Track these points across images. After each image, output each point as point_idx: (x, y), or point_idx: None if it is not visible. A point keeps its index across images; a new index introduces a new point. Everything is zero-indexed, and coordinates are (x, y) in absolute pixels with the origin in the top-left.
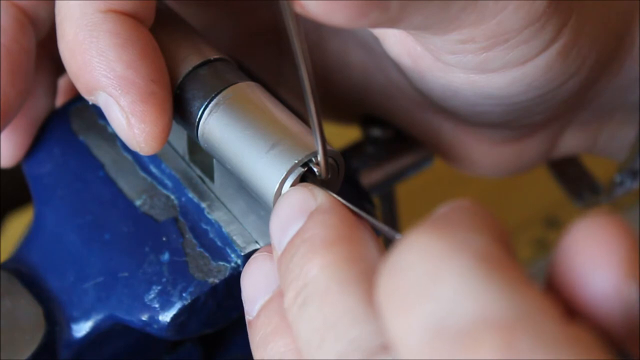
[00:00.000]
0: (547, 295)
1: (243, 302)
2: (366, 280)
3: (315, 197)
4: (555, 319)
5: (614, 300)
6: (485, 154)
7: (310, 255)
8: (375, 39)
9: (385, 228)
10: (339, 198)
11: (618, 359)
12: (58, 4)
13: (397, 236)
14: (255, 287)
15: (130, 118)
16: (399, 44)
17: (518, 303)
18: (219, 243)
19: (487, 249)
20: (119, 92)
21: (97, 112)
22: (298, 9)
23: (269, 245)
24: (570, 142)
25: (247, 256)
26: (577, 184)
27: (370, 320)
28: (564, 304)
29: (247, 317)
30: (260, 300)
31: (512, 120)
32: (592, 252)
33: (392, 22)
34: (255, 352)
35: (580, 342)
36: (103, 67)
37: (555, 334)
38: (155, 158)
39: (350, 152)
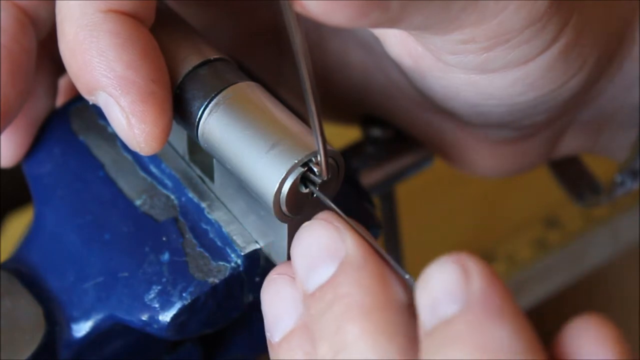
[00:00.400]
0: None
1: (265, 320)
2: (403, 352)
3: (343, 240)
4: None
5: None
6: (486, 154)
7: (347, 317)
8: (376, 39)
9: (395, 266)
10: (369, 239)
11: None
12: (58, 4)
13: (406, 276)
14: (277, 311)
15: (131, 118)
16: (400, 44)
17: None
18: (219, 243)
19: None
20: (119, 92)
21: (97, 112)
22: (298, 8)
23: (284, 264)
24: (571, 142)
25: (247, 256)
26: (578, 184)
27: None
28: None
29: (269, 338)
30: (283, 326)
31: (513, 121)
32: (586, 351)
33: (392, 22)
34: None
35: None
36: (103, 67)
37: None
38: (155, 158)
39: (350, 152)
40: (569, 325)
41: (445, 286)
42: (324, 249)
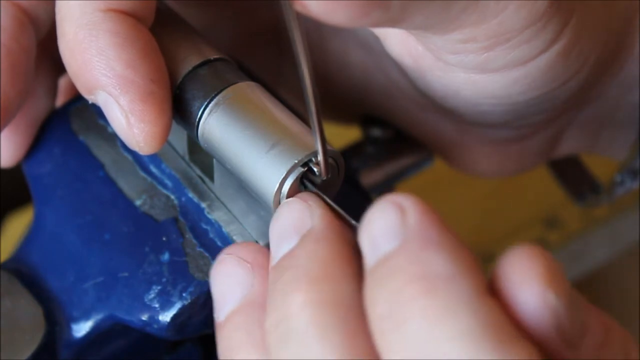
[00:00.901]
0: (532, 344)
1: (213, 301)
2: (346, 325)
3: (312, 215)
4: None
5: (541, 310)
6: (486, 154)
7: (292, 286)
8: (376, 39)
9: None
10: (337, 207)
11: None
12: (58, 4)
13: None
14: (222, 291)
15: (130, 117)
16: (400, 43)
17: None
18: (219, 243)
19: (475, 299)
20: (119, 91)
21: (97, 112)
22: (299, 8)
23: (235, 245)
24: (571, 142)
25: None
26: (578, 183)
27: None
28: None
29: (216, 318)
30: (228, 306)
31: (513, 120)
32: (518, 275)
33: (393, 22)
34: (222, 358)
35: None
36: (103, 66)
37: None
38: (155, 158)
39: (350, 152)
40: (506, 254)
41: (382, 225)
42: (293, 224)
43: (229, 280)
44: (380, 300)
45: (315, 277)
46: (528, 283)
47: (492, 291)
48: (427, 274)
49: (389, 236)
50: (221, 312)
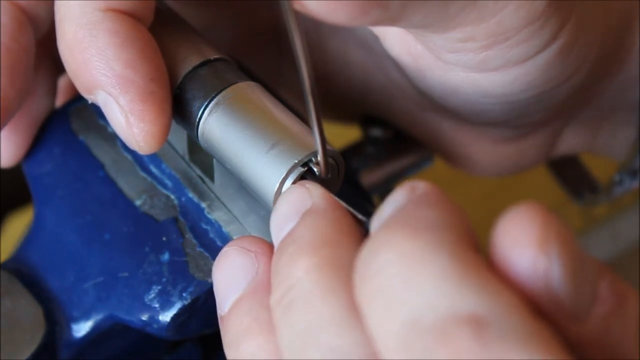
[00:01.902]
0: (516, 292)
1: (216, 298)
2: (350, 285)
3: (311, 196)
4: (523, 315)
5: (534, 273)
6: (485, 153)
7: (296, 256)
8: (375, 39)
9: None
10: (335, 197)
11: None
12: (57, 3)
13: None
14: (226, 283)
15: (130, 117)
16: (399, 42)
17: (489, 299)
18: (219, 243)
19: (457, 248)
20: (118, 91)
21: (97, 112)
22: (298, 7)
23: (237, 239)
24: (570, 141)
25: None
26: (577, 183)
27: (353, 329)
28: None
29: (219, 313)
30: (232, 297)
31: (512, 119)
32: (512, 236)
33: (392, 21)
34: (227, 350)
35: (545, 338)
36: (102, 65)
37: (522, 327)
38: (155, 158)
39: (350, 152)
40: (507, 212)
41: (391, 199)
42: (292, 207)
43: (232, 270)
44: (366, 251)
45: (316, 245)
46: (521, 245)
47: (474, 246)
48: (414, 222)
49: (395, 203)
50: (225, 303)
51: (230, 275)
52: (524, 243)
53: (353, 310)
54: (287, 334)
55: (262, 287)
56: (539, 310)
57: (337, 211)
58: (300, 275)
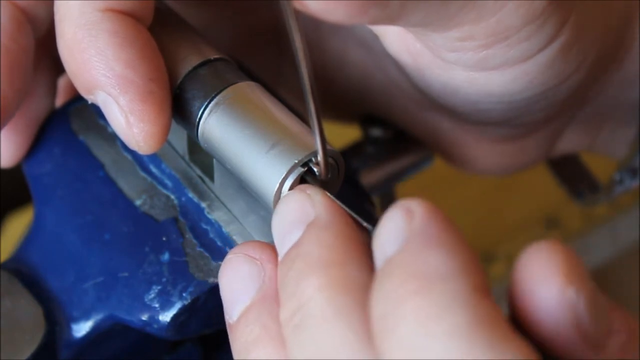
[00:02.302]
0: (528, 343)
1: (223, 305)
2: (361, 307)
3: (313, 205)
4: None
5: (561, 307)
6: (485, 153)
7: (305, 273)
8: (375, 38)
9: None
10: (337, 201)
11: None
12: (57, 3)
13: None
14: (234, 290)
15: (129, 117)
16: (399, 41)
17: (506, 355)
18: (219, 243)
19: (471, 299)
20: (118, 91)
21: (97, 112)
22: (298, 6)
23: (242, 244)
24: (570, 140)
25: None
26: (577, 182)
27: (366, 352)
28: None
29: (227, 320)
30: (240, 305)
31: (512, 118)
32: (537, 271)
33: (391, 19)
34: (237, 357)
35: None
36: (102, 66)
37: None
38: (155, 158)
39: (350, 152)
40: (526, 249)
41: (389, 228)
42: (295, 215)
43: (239, 279)
44: (379, 300)
45: (325, 262)
46: (547, 278)
47: (486, 291)
48: (423, 272)
49: (394, 238)
50: (233, 311)
51: (237, 283)
52: (550, 277)
53: (365, 332)
54: (299, 354)
55: (270, 296)
56: (564, 339)
57: (341, 223)
58: (310, 294)
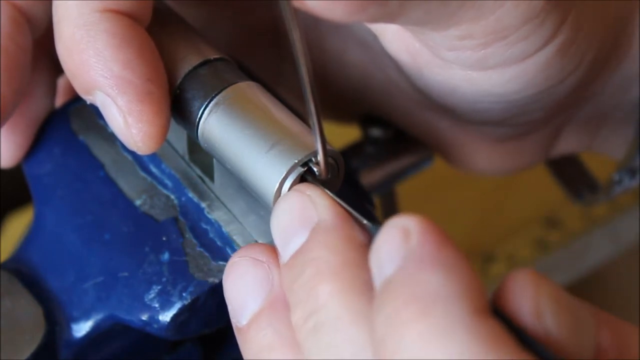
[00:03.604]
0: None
1: (228, 307)
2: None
3: (315, 207)
4: None
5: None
6: (484, 152)
7: (317, 279)
8: (374, 37)
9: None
10: (337, 198)
11: None
12: (55, 4)
13: None
14: (242, 294)
15: (128, 117)
16: (398, 40)
17: None
18: (219, 243)
19: (472, 319)
20: (116, 91)
21: (96, 112)
22: (297, 5)
23: (246, 247)
24: (569, 140)
25: None
26: (576, 182)
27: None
28: None
29: (235, 323)
30: (250, 309)
31: (510, 118)
32: (518, 295)
33: (391, 17)
34: None
35: None
36: (100, 66)
37: None
38: (155, 158)
39: (350, 152)
40: (510, 275)
41: (386, 248)
42: (297, 218)
43: (247, 282)
44: (379, 324)
45: (337, 267)
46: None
47: (487, 311)
48: (422, 295)
49: (391, 259)
50: (242, 316)
51: (245, 287)
52: (525, 304)
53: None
54: (316, 357)
55: (280, 300)
56: None
57: (345, 224)
58: (325, 300)
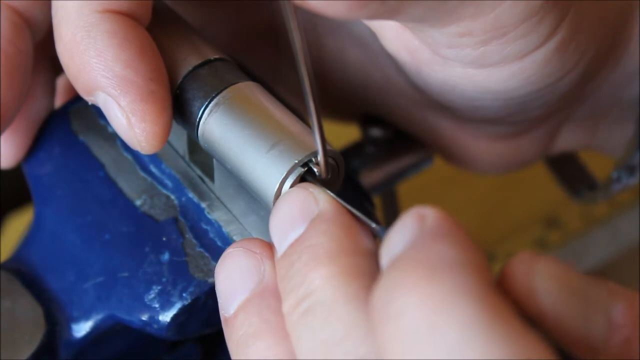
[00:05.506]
0: (541, 339)
1: (218, 300)
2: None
3: (316, 201)
4: None
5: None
6: (484, 150)
7: (313, 264)
8: (373, 36)
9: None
10: (338, 198)
11: None
12: (55, 5)
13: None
14: (231, 284)
15: (131, 117)
16: (397, 38)
17: (520, 351)
18: (219, 243)
19: (482, 292)
20: (118, 91)
21: (97, 112)
22: (297, 2)
23: (240, 240)
24: (568, 138)
25: None
26: (575, 180)
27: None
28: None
29: (223, 314)
30: (238, 298)
31: (510, 116)
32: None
33: (390, 14)
34: (234, 351)
35: None
36: (102, 67)
37: None
38: (155, 158)
39: (350, 152)
40: (516, 256)
41: (400, 229)
42: (298, 210)
43: (237, 271)
44: (382, 292)
45: (333, 253)
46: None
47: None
48: (433, 260)
49: (403, 238)
50: (230, 305)
51: (235, 277)
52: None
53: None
54: (307, 341)
55: (270, 290)
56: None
57: (347, 217)
58: (320, 284)
